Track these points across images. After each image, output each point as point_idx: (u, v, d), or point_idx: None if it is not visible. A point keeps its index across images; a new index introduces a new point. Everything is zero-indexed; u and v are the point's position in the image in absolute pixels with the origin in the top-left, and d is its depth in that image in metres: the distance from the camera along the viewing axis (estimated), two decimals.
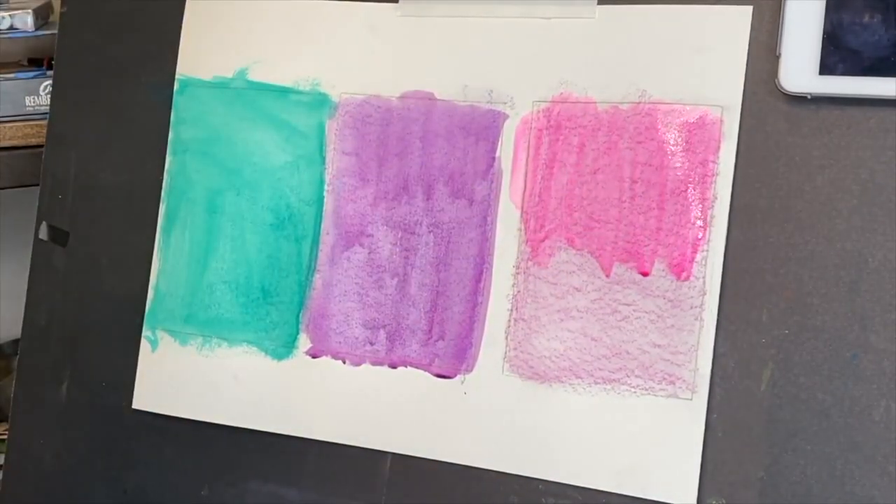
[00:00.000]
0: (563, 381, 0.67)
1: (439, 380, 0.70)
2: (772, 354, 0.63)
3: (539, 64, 0.69)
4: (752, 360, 0.63)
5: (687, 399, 0.64)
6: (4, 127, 0.99)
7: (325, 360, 0.74)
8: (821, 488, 0.61)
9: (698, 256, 0.64)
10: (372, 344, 0.73)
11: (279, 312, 0.75)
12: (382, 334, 0.72)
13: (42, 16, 1.06)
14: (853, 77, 0.61)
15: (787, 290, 0.63)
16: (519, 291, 0.69)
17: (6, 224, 1.24)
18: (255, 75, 0.77)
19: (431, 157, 0.72)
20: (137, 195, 0.81)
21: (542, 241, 0.68)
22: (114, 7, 0.83)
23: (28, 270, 0.84)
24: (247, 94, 0.77)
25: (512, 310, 0.69)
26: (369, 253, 0.73)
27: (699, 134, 0.65)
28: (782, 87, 0.63)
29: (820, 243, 0.62)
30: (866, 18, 0.60)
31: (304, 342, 0.74)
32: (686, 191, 0.65)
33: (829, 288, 0.62)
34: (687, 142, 0.65)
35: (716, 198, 0.64)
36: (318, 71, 0.76)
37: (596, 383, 0.66)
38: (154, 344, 0.79)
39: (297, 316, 0.75)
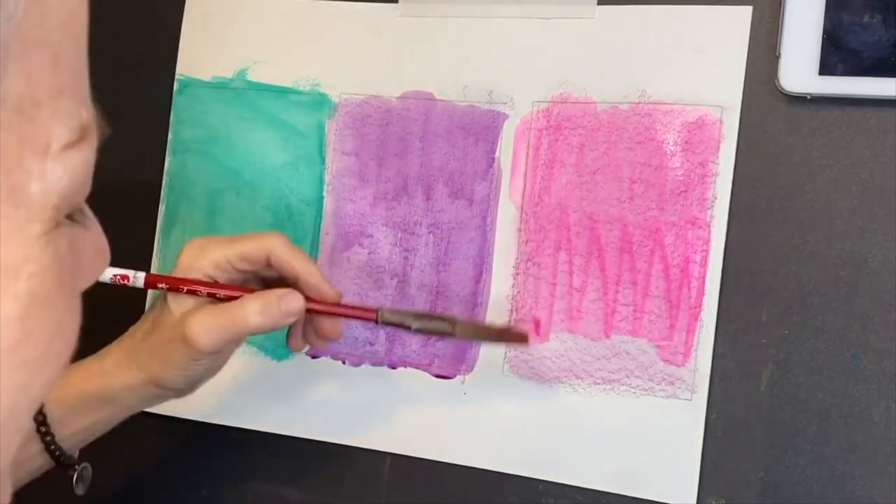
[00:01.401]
0: (563, 382, 0.67)
1: (439, 380, 0.70)
2: (772, 354, 0.63)
3: (539, 64, 0.69)
4: (752, 360, 0.63)
5: (687, 399, 0.64)
6: None
7: (324, 361, 0.74)
8: (821, 488, 0.61)
9: (698, 257, 0.64)
10: (372, 344, 0.72)
11: None
12: (382, 334, 0.72)
13: None
14: (853, 77, 0.61)
15: (787, 290, 0.63)
16: (519, 291, 0.69)
17: None
18: (255, 75, 0.77)
19: (431, 157, 0.72)
20: (137, 195, 0.81)
21: (543, 241, 0.68)
22: (114, 7, 0.83)
23: None
24: (246, 94, 0.77)
25: (512, 310, 0.69)
26: (369, 253, 0.73)
27: (699, 134, 0.65)
28: (782, 87, 0.62)
29: (820, 243, 0.62)
30: (866, 18, 0.60)
31: None
32: (686, 191, 0.65)
33: (829, 288, 0.62)
34: (687, 142, 0.65)
35: (716, 198, 0.64)
36: (318, 71, 0.75)
37: (596, 383, 0.66)
38: None
39: None
